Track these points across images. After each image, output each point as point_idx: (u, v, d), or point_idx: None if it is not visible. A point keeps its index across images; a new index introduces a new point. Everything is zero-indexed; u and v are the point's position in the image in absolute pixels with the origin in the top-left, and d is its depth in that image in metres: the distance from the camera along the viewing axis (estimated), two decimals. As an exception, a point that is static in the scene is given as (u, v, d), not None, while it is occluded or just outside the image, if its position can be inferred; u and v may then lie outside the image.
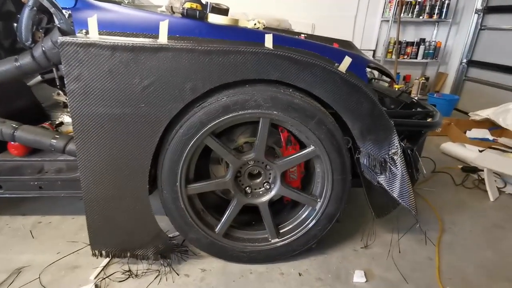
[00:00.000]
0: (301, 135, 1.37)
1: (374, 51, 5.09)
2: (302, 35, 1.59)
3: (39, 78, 2.30)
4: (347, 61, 1.29)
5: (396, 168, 1.29)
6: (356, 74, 1.35)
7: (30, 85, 2.20)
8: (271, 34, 1.27)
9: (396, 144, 1.29)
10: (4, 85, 1.64)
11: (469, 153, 2.74)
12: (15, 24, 1.70)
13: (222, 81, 1.19)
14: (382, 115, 1.27)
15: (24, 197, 1.73)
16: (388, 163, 1.31)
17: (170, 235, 1.58)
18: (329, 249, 1.68)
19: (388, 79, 2.25)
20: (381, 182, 1.35)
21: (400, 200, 1.31)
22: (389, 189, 1.33)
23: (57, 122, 2.08)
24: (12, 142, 1.58)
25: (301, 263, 1.59)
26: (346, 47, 1.84)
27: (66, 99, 2.15)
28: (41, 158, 1.58)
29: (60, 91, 2.16)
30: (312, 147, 1.35)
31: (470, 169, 2.55)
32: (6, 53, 1.86)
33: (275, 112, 1.25)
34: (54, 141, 1.49)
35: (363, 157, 1.37)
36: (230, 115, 1.25)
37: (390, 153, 1.30)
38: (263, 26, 1.57)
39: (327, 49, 1.41)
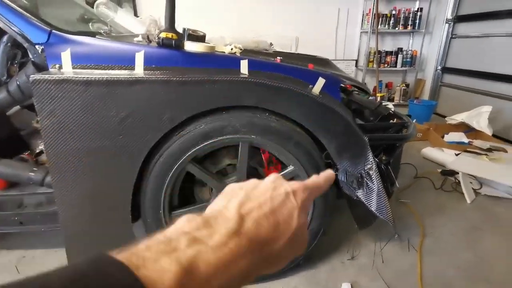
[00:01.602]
0: (281, 156, 1.40)
1: (357, 60, 5.24)
2: (278, 58, 1.64)
3: (17, 106, 2.28)
4: (320, 82, 1.34)
5: (373, 182, 1.33)
6: (330, 93, 1.40)
7: (8, 114, 2.17)
8: (247, 60, 1.31)
9: (371, 160, 1.33)
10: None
11: (446, 157, 2.83)
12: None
13: (199, 109, 1.21)
14: (356, 132, 1.31)
15: (6, 232, 1.68)
16: (365, 178, 1.35)
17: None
18: (318, 262, 1.70)
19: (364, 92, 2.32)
20: (360, 196, 1.38)
21: (378, 214, 1.35)
22: (367, 203, 1.36)
23: (37, 151, 2.05)
24: (-10, 178, 1.55)
25: (290, 280, 1.60)
26: (323, 65, 1.90)
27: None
28: (20, 192, 1.55)
29: (38, 119, 2.14)
30: (291, 167, 1.38)
31: (448, 173, 2.62)
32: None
33: (253, 136, 1.28)
34: (33, 174, 1.47)
35: (341, 173, 1.40)
36: (210, 141, 1.27)
37: (366, 169, 1.34)
38: (240, 51, 1.60)
39: (301, 72, 1.45)
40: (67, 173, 1.19)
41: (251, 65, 1.31)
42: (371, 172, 1.32)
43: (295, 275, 1.62)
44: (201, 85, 1.17)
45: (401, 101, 5.13)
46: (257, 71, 1.33)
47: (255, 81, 1.20)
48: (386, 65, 5.16)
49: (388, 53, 5.12)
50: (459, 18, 4.56)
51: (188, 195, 1.57)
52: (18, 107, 2.30)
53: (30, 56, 1.34)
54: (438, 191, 2.45)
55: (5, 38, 1.39)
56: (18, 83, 1.36)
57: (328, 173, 0.42)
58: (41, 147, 2.15)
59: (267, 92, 1.22)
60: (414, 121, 1.83)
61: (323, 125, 1.29)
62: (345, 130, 1.30)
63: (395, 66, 5.17)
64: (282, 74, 1.37)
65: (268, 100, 1.24)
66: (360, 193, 1.37)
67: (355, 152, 1.33)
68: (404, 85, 5.20)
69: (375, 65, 5.02)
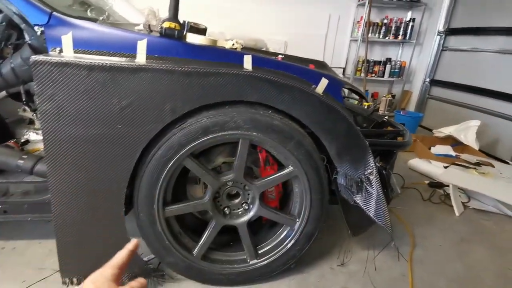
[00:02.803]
0: (280, 156, 1.39)
1: (344, 68, 5.30)
2: (280, 56, 1.63)
3: (3, 93, 2.18)
4: (323, 82, 1.34)
5: (372, 187, 1.33)
6: (332, 95, 1.40)
7: (-6, 100, 2.08)
8: (250, 56, 1.29)
9: (372, 164, 1.33)
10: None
11: (434, 169, 2.88)
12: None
13: (202, 102, 1.19)
14: (358, 135, 1.31)
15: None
16: (364, 183, 1.35)
17: (145, 259, 1.52)
18: (307, 267, 1.69)
19: (358, 97, 2.34)
20: (358, 201, 1.38)
21: (376, 219, 1.35)
22: (365, 208, 1.36)
23: (22, 140, 1.97)
24: (-27, 163, 1.47)
25: (280, 283, 1.58)
26: (321, 68, 1.90)
27: (32, 115, 2.05)
28: (5, 179, 1.48)
29: (26, 107, 2.06)
30: (290, 168, 1.37)
31: (436, 185, 2.67)
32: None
33: (254, 133, 1.26)
34: (21, 161, 1.41)
35: (340, 177, 1.40)
36: (210, 136, 1.24)
37: (366, 173, 1.34)
38: (241, 47, 1.59)
39: (304, 71, 1.44)
40: (63, 160, 1.14)
41: (254, 61, 1.29)
42: (371, 177, 1.32)
43: (285, 279, 1.61)
44: (205, 77, 1.15)
45: (386, 112, 5.19)
46: (260, 68, 1.32)
47: (261, 77, 1.19)
48: (373, 75, 5.22)
49: (377, 62, 5.18)
50: (450, 31, 4.67)
51: (179, 192, 1.53)
52: (3, 93, 2.21)
53: (27, 38, 1.29)
54: (426, 203, 2.49)
55: (-1, 17, 1.33)
56: (12, 65, 1.30)
57: (131, 244, 0.58)
58: (26, 136, 2.07)
59: (272, 88, 1.21)
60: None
61: (326, 126, 1.29)
62: (347, 133, 1.30)
63: (383, 76, 5.23)
64: (285, 72, 1.37)
65: (273, 97, 1.22)
66: (358, 198, 1.37)
67: (356, 155, 1.33)
68: (390, 95, 5.28)
69: (362, 74, 5.08)
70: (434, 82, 4.95)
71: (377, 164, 1.35)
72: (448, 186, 2.56)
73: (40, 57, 1.03)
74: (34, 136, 2.06)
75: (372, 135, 1.71)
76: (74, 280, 1.36)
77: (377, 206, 1.33)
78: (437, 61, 4.91)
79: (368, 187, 1.34)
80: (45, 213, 1.47)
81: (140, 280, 0.54)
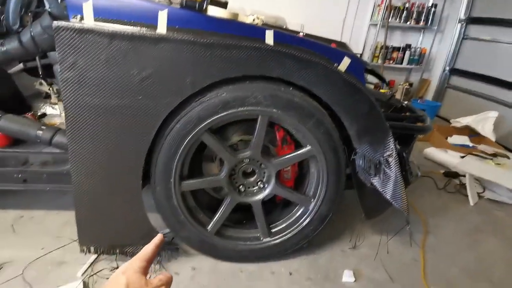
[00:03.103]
0: (298, 135, 1.37)
1: (361, 54, 5.17)
2: (301, 33, 1.59)
3: (20, 66, 2.20)
4: (346, 61, 1.30)
5: (390, 170, 1.31)
6: (354, 75, 1.36)
7: (11, 72, 2.10)
8: (272, 31, 1.26)
9: (392, 147, 1.30)
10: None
11: (451, 159, 2.82)
12: (-1, 6, 1.61)
13: (223, 76, 1.17)
14: (380, 117, 1.28)
15: (4, 190, 1.64)
16: (383, 165, 1.32)
17: (160, 232, 1.54)
18: (318, 249, 1.69)
19: (374, 82, 2.29)
20: (375, 183, 1.36)
21: (393, 202, 1.33)
22: (382, 190, 1.34)
23: (39, 113, 1.99)
24: (-6, 132, 1.49)
25: (291, 262, 1.59)
26: (341, 48, 1.85)
27: (48, 89, 2.06)
28: (25, 149, 1.50)
29: (42, 81, 2.07)
30: (308, 147, 1.35)
31: (452, 174, 2.63)
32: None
33: (274, 110, 1.24)
34: (41, 132, 1.42)
35: (359, 158, 1.38)
36: (229, 111, 1.23)
37: (385, 155, 1.32)
38: (262, 22, 1.55)
39: (326, 49, 1.40)
40: (83, 130, 1.15)
41: (276, 36, 1.25)
42: (390, 160, 1.29)
43: (297, 258, 1.62)
44: (228, 50, 1.12)
45: (402, 101, 5.08)
46: (281, 43, 1.28)
47: (284, 52, 1.16)
48: (391, 62, 5.08)
49: (395, 48, 5.02)
50: (471, 20, 4.51)
51: (194, 169, 1.53)
52: (20, 66, 2.22)
53: (47, 5, 1.27)
54: (440, 192, 2.45)
55: (20, -16, 1.32)
56: (32, 34, 1.29)
57: (157, 239, 0.60)
58: (43, 110, 2.09)
59: (295, 64, 1.18)
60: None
61: (347, 105, 1.26)
62: (369, 113, 1.27)
63: (401, 63, 5.08)
64: (308, 49, 1.33)
65: (295, 73, 1.20)
66: (375, 180, 1.35)
67: (376, 137, 1.30)
68: (407, 84, 5.14)
69: (380, 61, 4.95)
70: (454, 71, 4.80)
71: (397, 146, 1.32)
72: (463, 176, 2.51)
73: (63, 23, 1.02)
74: (51, 110, 2.08)
75: (392, 119, 1.67)
76: (92, 249, 1.39)
77: (395, 189, 1.31)
78: (458, 50, 4.75)
79: (386, 169, 1.31)
80: (63, 183, 1.49)
81: (167, 274, 0.58)
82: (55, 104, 2.06)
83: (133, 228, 1.38)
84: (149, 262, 0.57)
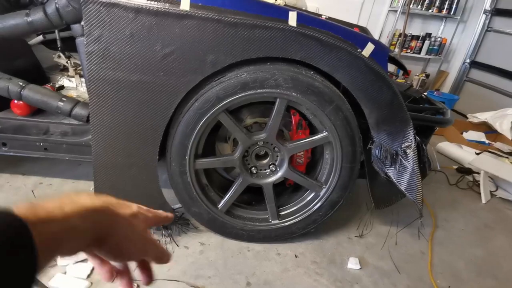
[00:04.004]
0: (315, 120, 1.36)
1: (378, 42, 5.03)
2: (324, 16, 1.56)
3: (40, 37, 2.21)
4: (370, 47, 1.27)
5: (407, 161, 1.30)
6: (377, 61, 1.33)
7: (31, 44, 2.12)
8: (295, 12, 1.23)
9: (411, 138, 1.29)
10: (7, 41, 1.57)
11: (465, 155, 2.78)
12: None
13: (244, 56, 1.16)
14: (402, 106, 1.26)
15: (23, 158, 1.69)
16: (400, 156, 1.32)
17: (173, 206, 1.58)
18: (325, 235, 1.71)
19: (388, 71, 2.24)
20: (389, 174, 1.36)
21: (407, 193, 1.33)
22: (397, 181, 1.34)
23: (57, 86, 2.02)
24: (17, 101, 1.52)
25: (297, 245, 1.62)
26: (364, 33, 1.81)
27: (66, 62, 2.08)
28: (46, 119, 1.53)
29: (60, 54, 2.09)
30: (325, 133, 1.35)
31: (465, 171, 2.59)
32: (12, 7, 1.77)
33: (293, 93, 1.24)
34: (61, 103, 1.44)
35: (375, 147, 1.37)
36: (248, 92, 1.23)
37: (403, 146, 1.31)
38: (284, 3, 1.53)
39: (349, 33, 1.38)
40: (105, 102, 1.17)
41: (299, 18, 1.23)
42: (408, 151, 1.28)
43: (303, 242, 1.64)
44: (251, 30, 1.11)
45: (418, 90, 4.96)
46: (304, 25, 1.27)
47: (309, 34, 1.14)
48: (409, 51, 4.92)
49: (414, 37, 4.84)
50: (497, 11, 4.33)
51: (207, 149, 1.55)
52: (40, 38, 2.23)
53: (72, -23, 1.27)
54: (452, 187, 2.43)
55: (45, -46, 1.31)
56: (57, 5, 1.29)
57: (170, 215, 0.53)
58: (61, 82, 2.12)
59: (319, 47, 1.16)
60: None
61: (369, 92, 1.24)
62: (391, 102, 1.25)
63: (419, 53, 4.91)
64: (331, 33, 1.31)
65: (318, 57, 1.18)
66: (391, 171, 1.35)
67: (396, 127, 1.29)
68: (424, 75, 5.02)
69: (397, 49, 4.81)
70: (475, 64, 4.66)
71: (417, 138, 1.30)
72: (477, 173, 2.48)
73: (90, -5, 1.02)
74: (68, 83, 2.10)
75: (411, 110, 1.65)
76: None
77: (411, 180, 1.30)
78: (480, 42, 4.59)
79: (403, 160, 1.31)
80: (81, 154, 1.53)
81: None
82: (72, 77, 2.08)
83: (147, 200, 1.41)
84: (153, 220, 0.51)
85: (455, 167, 2.69)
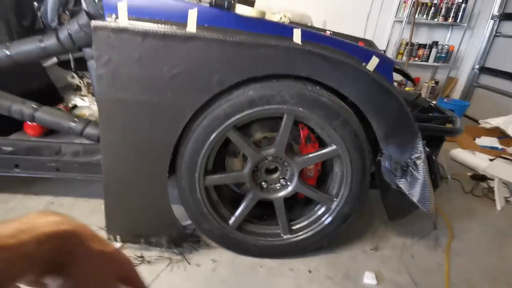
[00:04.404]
0: (323, 134, 1.37)
1: (385, 51, 5.05)
2: (328, 31, 1.58)
3: (55, 59, 2.29)
4: (374, 61, 1.28)
5: (418, 172, 1.29)
6: (383, 74, 1.34)
7: (45, 66, 2.19)
8: (300, 29, 1.26)
9: (420, 149, 1.28)
10: (22, 65, 1.64)
11: (479, 161, 2.73)
12: (35, 4, 1.68)
13: (250, 74, 1.18)
14: (409, 118, 1.26)
15: (36, 178, 1.73)
16: (410, 167, 1.30)
17: (183, 223, 1.58)
18: (338, 248, 1.69)
19: (397, 81, 2.24)
20: (401, 186, 1.35)
21: (420, 205, 1.31)
22: (409, 193, 1.33)
23: (70, 105, 2.08)
24: (30, 123, 1.57)
25: (310, 260, 1.60)
26: (368, 46, 1.82)
27: (79, 82, 2.14)
28: (58, 140, 1.58)
29: (74, 74, 2.15)
30: (334, 147, 1.35)
31: (480, 177, 2.54)
32: (26, 32, 1.85)
33: (300, 109, 1.25)
34: (73, 124, 1.48)
35: (385, 159, 1.36)
36: (255, 109, 1.24)
37: (412, 158, 1.30)
38: (289, 21, 1.55)
39: (354, 48, 1.38)
40: (114, 122, 1.20)
41: (303, 35, 1.25)
42: (418, 162, 1.27)
43: (316, 256, 1.62)
44: (256, 49, 1.14)
45: (427, 99, 4.92)
46: (309, 42, 1.28)
47: (313, 51, 1.16)
48: (416, 59, 4.93)
49: (421, 46, 4.86)
50: (505, 16, 4.30)
51: (217, 164, 1.56)
52: (54, 60, 2.31)
53: (84, 5, 1.32)
54: (467, 195, 2.38)
55: (58, -17, 1.37)
56: (69, 31, 1.34)
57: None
58: (74, 101, 2.18)
59: (323, 64, 1.18)
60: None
61: (376, 105, 1.24)
62: (398, 114, 1.25)
63: (427, 61, 4.92)
64: (335, 48, 1.32)
65: (323, 73, 1.20)
66: (402, 183, 1.33)
67: (404, 138, 1.29)
68: (433, 82, 4.99)
69: (404, 58, 4.82)
70: (484, 70, 4.62)
71: (426, 149, 1.29)
72: (491, 179, 2.43)
73: (100, 23, 1.06)
74: (81, 102, 2.16)
75: (420, 119, 1.64)
76: (118, 237, 1.45)
77: (423, 192, 1.29)
78: (489, 48, 4.56)
79: (414, 171, 1.29)
80: (93, 173, 1.55)
81: None
82: (85, 96, 2.15)
83: (157, 218, 1.42)
84: (131, 277, 0.41)
85: (469, 174, 2.64)
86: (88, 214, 1.76)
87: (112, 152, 1.26)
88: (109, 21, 1.11)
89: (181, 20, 1.23)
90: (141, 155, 1.27)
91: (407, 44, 4.75)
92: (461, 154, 2.95)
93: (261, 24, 1.37)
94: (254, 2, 1.51)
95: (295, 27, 1.27)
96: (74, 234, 0.34)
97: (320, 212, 1.52)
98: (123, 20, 1.15)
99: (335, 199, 1.46)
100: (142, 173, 1.31)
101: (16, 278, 0.30)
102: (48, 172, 1.54)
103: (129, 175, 1.30)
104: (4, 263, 0.28)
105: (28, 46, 1.40)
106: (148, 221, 1.43)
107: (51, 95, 2.19)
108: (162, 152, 1.27)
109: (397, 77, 4.63)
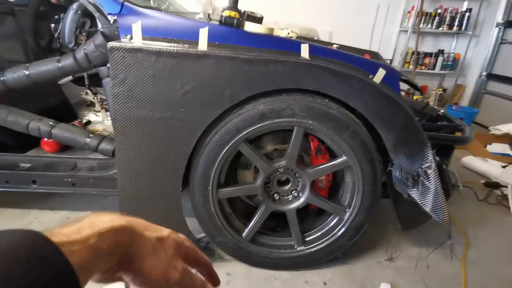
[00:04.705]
0: (334, 145, 1.38)
1: (391, 60, 5.08)
2: (335, 45, 1.61)
3: (70, 77, 2.37)
4: (381, 73, 1.30)
5: (430, 182, 1.29)
6: (389, 86, 1.36)
7: (60, 83, 2.27)
8: (307, 44, 1.29)
9: (430, 158, 1.29)
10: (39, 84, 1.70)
11: (491, 168, 2.70)
12: (52, 25, 1.76)
13: (260, 89, 1.21)
14: (417, 128, 1.27)
15: (52, 193, 1.77)
16: (421, 177, 1.31)
17: (197, 236, 1.60)
18: (353, 259, 1.68)
19: (405, 90, 2.25)
20: (413, 195, 1.35)
21: (433, 215, 1.31)
22: (421, 203, 1.33)
23: (85, 121, 2.14)
24: (47, 139, 1.62)
25: (325, 272, 1.59)
26: (374, 58, 1.85)
27: (93, 98, 2.21)
28: (74, 155, 1.62)
29: (88, 91, 2.22)
30: (344, 157, 1.36)
31: (493, 185, 2.51)
32: (43, 52, 1.93)
33: (310, 121, 1.27)
34: (88, 139, 1.53)
35: (395, 169, 1.37)
36: (266, 122, 1.27)
37: (423, 167, 1.30)
38: (296, 35, 1.59)
39: (360, 61, 1.42)
40: (129, 139, 1.23)
41: (311, 50, 1.29)
42: (429, 171, 1.28)
43: (331, 268, 1.61)
44: (265, 65, 1.17)
45: (435, 107, 4.91)
46: (316, 56, 1.32)
47: (320, 65, 1.19)
48: (423, 67, 4.94)
49: (427, 54, 4.89)
50: (510, 23, 4.31)
51: (229, 176, 1.58)
52: (69, 78, 2.40)
53: (100, 26, 1.38)
54: (481, 203, 2.35)
55: (75, 6, 1.44)
56: (85, 51, 1.40)
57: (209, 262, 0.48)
58: (88, 117, 2.25)
59: (331, 77, 1.21)
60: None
61: (384, 116, 1.26)
62: (406, 124, 1.27)
63: (433, 69, 4.93)
64: (342, 62, 1.35)
65: (331, 86, 1.22)
66: (413, 192, 1.34)
67: (414, 148, 1.30)
68: (441, 89, 4.99)
69: (411, 66, 4.84)
70: (492, 77, 4.60)
71: (436, 158, 1.30)
72: (505, 186, 2.40)
73: (116, 44, 1.11)
74: (94, 118, 2.23)
75: (429, 128, 1.64)
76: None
77: (435, 201, 1.29)
78: (495, 55, 4.55)
79: (425, 181, 1.30)
80: (108, 187, 1.59)
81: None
82: (99, 111, 2.21)
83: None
84: (193, 256, 0.45)
85: (482, 181, 2.62)
86: (103, 228, 1.78)
87: (128, 168, 1.29)
88: (125, 42, 1.16)
89: (193, 39, 1.28)
90: (155, 170, 1.30)
91: (413, 53, 4.77)
92: (472, 161, 2.92)
93: (269, 40, 1.41)
94: (262, 19, 1.55)
95: (303, 42, 1.31)
96: (128, 227, 0.38)
97: (333, 223, 1.53)
98: (137, 40, 1.20)
99: (347, 210, 1.47)
100: (157, 187, 1.34)
101: (88, 271, 0.33)
102: (64, 187, 1.58)
103: (144, 190, 1.33)
104: (73, 255, 0.30)
105: (46, 67, 1.46)
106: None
107: (66, 112, 2.26)
108: (176, 166, 1.30)
109: (404, 86, 4.64)
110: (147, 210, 1.38)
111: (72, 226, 0.34)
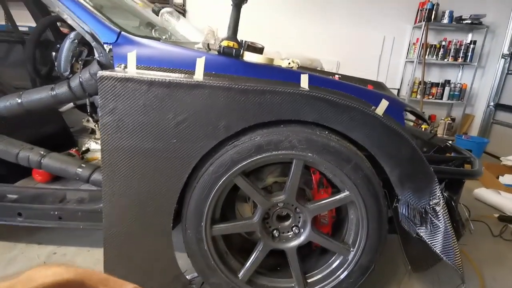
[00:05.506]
0: (336, 179, 1.30)
1: (399, 90, 5.07)
2: (337, 75, 1.57)
3: (71, 104, 2.37)
4: (384, 104, 1.25)
5: (439, 220, 1.19)
6: (393, 117, 1.30)
7: (62, 111, 2.26)
8: (307, 74, 1.25)
9: (438, 194, 1.20)
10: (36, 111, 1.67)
11: (505, 201, 2.58)
12: (54, 53, 1.76)
13: (257, 120, 1.16)
14: (423, 161, 1.19)
15: (40, 226, 1.69)
16: (429, 214, 1.21)
17: (188, 277, 1.49)
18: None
19: (413, 120, 2.19)
20: (421, 234, 1.24)
21: (444, 257, 1.20)
22: (431, 243, 1.22)
23: (83, 149, 2.10)
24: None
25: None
26: (379, 88, 1.80)
27: (94, 125, 2.18)
28: (64, 186, 1.56)
29: (89, 118, 2.20)
30: (347, 192, 1.27)
31: (508, 219, 2.38)
32: (43, 80, 1.92)
33: (309, 154, 1.20)
34: (80, 170, 1.47)
35: (402, 206, 1.28)
36: (263, 155, 1.20)
37: (431, 203, 1.21)
38: (297, 66, 1.55)
39: (363, 91, 1.37)
40: (118, 170, 1.17)
41: (311, 80, 1.24)
42: (437, 208, 1.18)
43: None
44: (262, 95, 1.12)
45: (445, 136, 4.84)
46: (317, 87, 1.27)
47: (319, 96, 1.13)
48: (430, 97, 4.94)
49: (434, 84, 4.91)
50: (516, 55, 4.31)
51: (227, 209, 1.50)
52: (71, 105, 2.39)
53: (96, 55, 1.36)
54: (496, 239, 2.21)
55: (72, 35, 1.43)
56: (81, 80, 1.38)
57: None
58: (87, 145, 2.20)
59: (330, 108, 1.15)
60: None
61: (387, 150, 1.19)
62: (411, 158, 1.19)
63: (441, 99, 4.93)
64: (343, 92, 1.30)
65: (330, 118, 1.16)
66: (422, 231, 1.23)
67: (420, 183, 1.21)
68: (449, 119, 4.93)
69: (418, 96, 4.83)
70: (500, 106, 4.54)
71: (445, 194, 1.20)
72: (522, 222, 2.27)
73: (106, 73, 1.07)
74: (94, 145, 2.19)
75: (435, 161, 1.56)
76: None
77: (445, 242, 1.18)
78: (502, 85, 4.53)
79: (434, 219, 1.19)
80: (97, 221, 1.50)
81: None
82: (99, 139, 2.17)
83: (161, 272, 1.34)
84: None
85: (496, 215, 2.48)
86: (91, 265, 1.68)
87: (114, 201, 1.22)
88: (116, 71, 1.13)
89: (190, 68, 1.25)
90: (145, 204, 1.23)
91: (420, 83, 4.76)
92: (485, 193, 2.79)
93: (269, 71, 1.37)
94: (263, 49, 1.53)
95: (303, 73, 1.26)
96: (77, 281, 0.34)
97: (336, 264, 1.41)
98: (131, 69, 1.17)
99: (352, 249, 1.36)
100: (146, 223, 1.26)
101: None
102: (50, 221, 1.50)
103: (132, 226, 1.25)
104: None
105: (39, 95, 1.43)
106: (151, 275, 1.35)
107: (65, 139, 2.22)
108: (167, 200, 1.23)
109: (412, 116, 4.58)
110: (135, 248, 1.29)
111: (5, 283, 0.31)
